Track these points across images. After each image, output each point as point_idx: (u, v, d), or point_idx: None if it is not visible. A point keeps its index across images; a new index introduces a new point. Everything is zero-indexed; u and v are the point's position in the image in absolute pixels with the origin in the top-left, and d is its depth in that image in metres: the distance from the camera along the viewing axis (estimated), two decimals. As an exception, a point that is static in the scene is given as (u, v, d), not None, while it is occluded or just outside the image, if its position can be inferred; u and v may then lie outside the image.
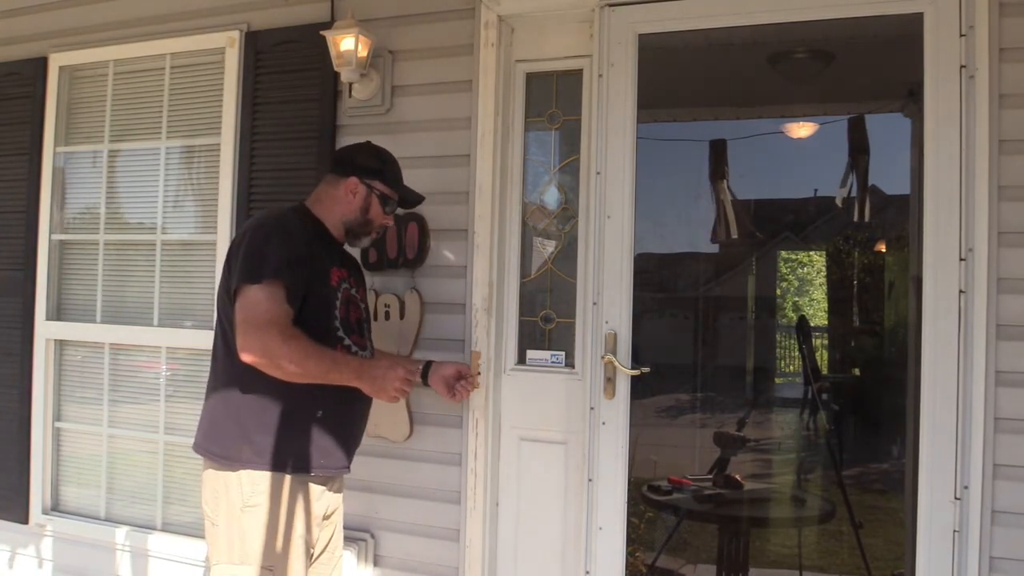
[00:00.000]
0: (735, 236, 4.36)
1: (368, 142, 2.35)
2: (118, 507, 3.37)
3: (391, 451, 2.79)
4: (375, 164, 2.23)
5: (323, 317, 2.05)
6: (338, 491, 2.21)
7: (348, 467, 2.14)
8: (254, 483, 1.93)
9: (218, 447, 1.99)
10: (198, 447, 2.05)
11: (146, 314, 3.31)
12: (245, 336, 1.86)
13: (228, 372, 2.00)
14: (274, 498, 1.93)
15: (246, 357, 1.86)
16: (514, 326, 2.83)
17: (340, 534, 2.28)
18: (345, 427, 2.11)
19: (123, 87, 3.39)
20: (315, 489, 2.03)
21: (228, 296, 1.98)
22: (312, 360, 1.90)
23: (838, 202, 4.35)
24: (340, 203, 2.20)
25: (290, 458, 1.97)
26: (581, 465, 2.65)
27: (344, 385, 2.01)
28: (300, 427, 1.99)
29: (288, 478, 1.96)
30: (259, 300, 1.88)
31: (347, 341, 2.11)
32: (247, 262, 1.94)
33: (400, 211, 2.47)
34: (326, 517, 2.15)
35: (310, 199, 2.24)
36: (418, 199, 2.35)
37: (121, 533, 3.26)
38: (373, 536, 2.84)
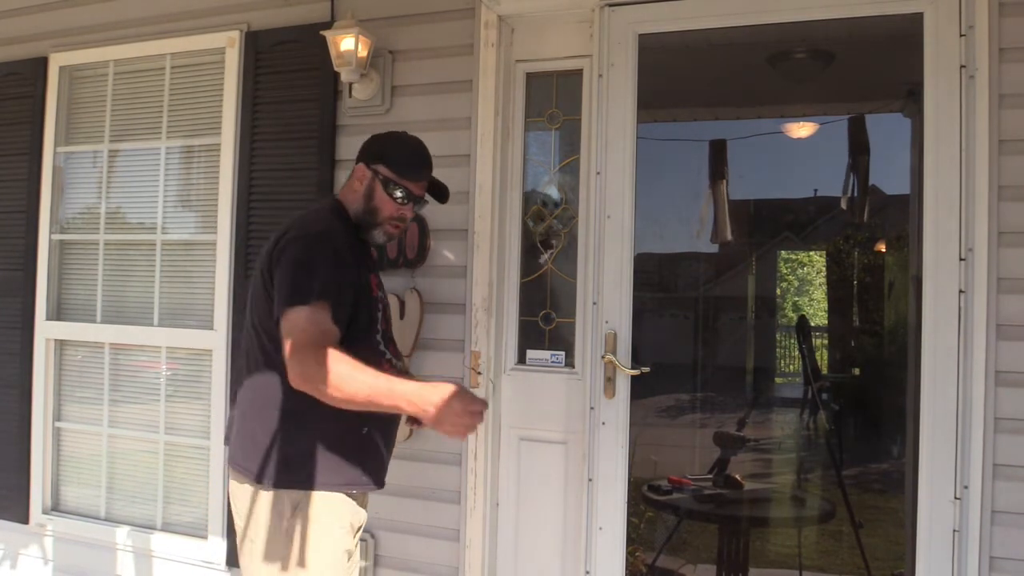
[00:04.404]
0: (732, 237, 4.36)
1: (401, 131, 2.18)
2: (118, 507, 3.37)
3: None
4: (383, 148, 2.05)
5: (368, 332, 1.94)
6: (365, 505, 2.10)
7: (383, 483, 2.03)
8: (298, 502, 1.85)
9: (261, 467, 1.86)
10: (239, 468, 1.90)
11: (146, 314, 3.31)
12: (290, 362, 1.73)
13: (269, 386, 1.86)
14: (319, 516, 1.85)
15: (293, 383, 1.74)
16: (514, 326, 2.83)
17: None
18: (386, 445, 2.01)
19: (123, 87, 3.39)
20: (354, 504, 1.96)
21: (268, 304, 1.86)
22: (355, 384, 1.71)
23: (843, 205, 4.35)
24: (351, 191, 2.04)
25: (334, 476, 1.88)
26: (581, 465, 2.65)
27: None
28: (345, 445, 1.89)
29: (332, 496, 1.88)
30: (302, 323, 1.74)
31: (388, 355, 2.01)
32: (291, 280, 1.79)
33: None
34: (358, 531, 2.06)
35: (341, 190, 2.11)
36: (438, 187, 2.14)
37: (121, 533, 3.26)
38: (373, 536, 2.84)
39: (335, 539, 1.89)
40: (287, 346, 1.73)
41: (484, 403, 1.78)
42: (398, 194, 2.00)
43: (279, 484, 1.85)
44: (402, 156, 2.05)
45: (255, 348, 1.92)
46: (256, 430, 1.88)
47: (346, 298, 1.84)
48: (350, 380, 1.70)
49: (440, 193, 2.16)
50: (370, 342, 1.94)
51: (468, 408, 1.73)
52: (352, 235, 1.99)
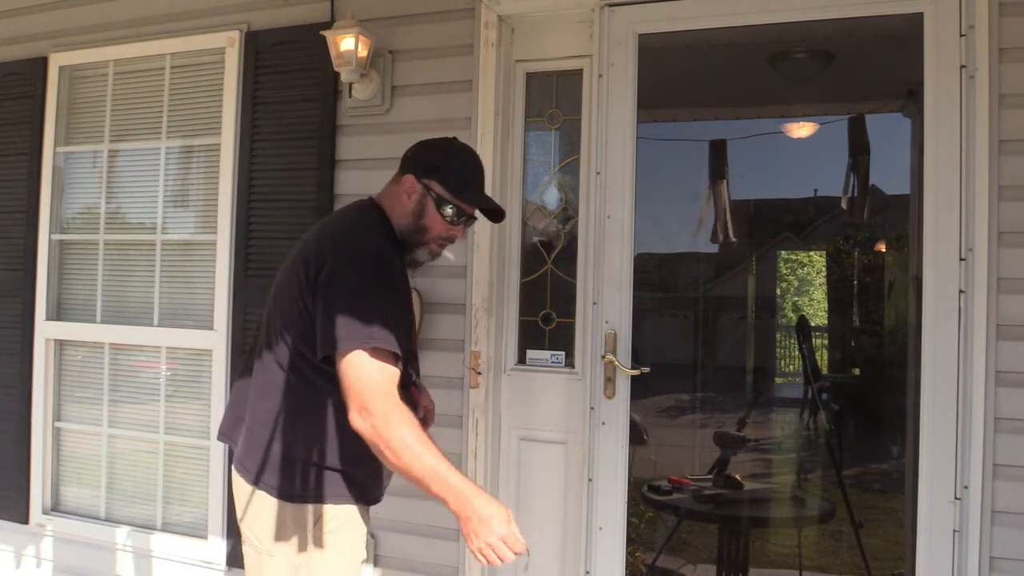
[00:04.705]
0: (732, 237, 4.36)
1: (451, 138, 1.99)
2: (118, 507, 3.37)
3: (391, 451, 2.79)
4: (436, 161, 1.88)
5: (407, 362, 1.84)
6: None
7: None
8: (322, 515, 1.82)
9: (286, 482, 1.79)
10: (261, 483, 1.81)
11: (146, 314, 3.31)
12: (356, 411, 1.66)
13: (298, 403, 1.78)
14: (342, 528, 1.84)
15: (356, 427, 1.67)
16: (514, 326, 2.83)
17: None
18: None
19: (123, 87, 3.39)
20: (367, 513, 1.95)
21: (304, 322, 1.75)
22: (416, 462, 1.62)
23: (843, 205, 4.35)
24: (397, 203, 1.88)
25: (356, 489, 1.85)
26: (581, 465, 2.65)
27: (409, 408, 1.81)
28: (368, 460, 1.81)
29: (352, 508, 1.86)
30: (370, 371, 1.66)
31: (413, 377, 1.96)
32: (351, 316, 1.67)
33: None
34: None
35: (382, 198, 1.93)
36: (494, 209, 1.97)
37: (121, 533, 3.26)
38: (373, 536, 2.84)
39: (356, 550, 1.89)
40: (353, 393, 1.66)
41: (524, 547, 1.64)
42: (450, 212, 1.86)
43: (308, 500, 1.80)
44: (459, 173, 1.89)
45: (282, 356, 1.80)
46: (286, 446, 1.80)
47: (403, 329, 1.76)
48: (413, 457, 1.62)
49: (495, 215, 2.00)
50: (404, 368, 1.84)
51: (505, 539, 1.62)
52: (398, 252, 1.87)
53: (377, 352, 1.67)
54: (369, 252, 1.77)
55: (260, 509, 1.83)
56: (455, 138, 1.99)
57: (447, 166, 1.88)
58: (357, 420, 1.67)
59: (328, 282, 1.72)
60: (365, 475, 1.87)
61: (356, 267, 1.73)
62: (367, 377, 1.66)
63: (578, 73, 2.76)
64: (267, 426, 1.82)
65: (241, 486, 1.87)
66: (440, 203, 1.86)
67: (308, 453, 1.80)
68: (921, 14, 2.36)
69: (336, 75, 2.84)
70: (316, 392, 1.76)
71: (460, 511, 1.62)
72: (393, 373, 1.70)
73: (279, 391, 1.81)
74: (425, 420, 2.09)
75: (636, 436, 2.99)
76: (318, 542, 1.81)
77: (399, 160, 1.94)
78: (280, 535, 1.81)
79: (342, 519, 1.84)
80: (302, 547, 1.81)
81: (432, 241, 1.91)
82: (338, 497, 1.82)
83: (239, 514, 1.89)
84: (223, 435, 1.97)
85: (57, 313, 3.45)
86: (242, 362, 1.98)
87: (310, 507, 1.81)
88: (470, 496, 1.62)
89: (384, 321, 1.69)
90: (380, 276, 1.74)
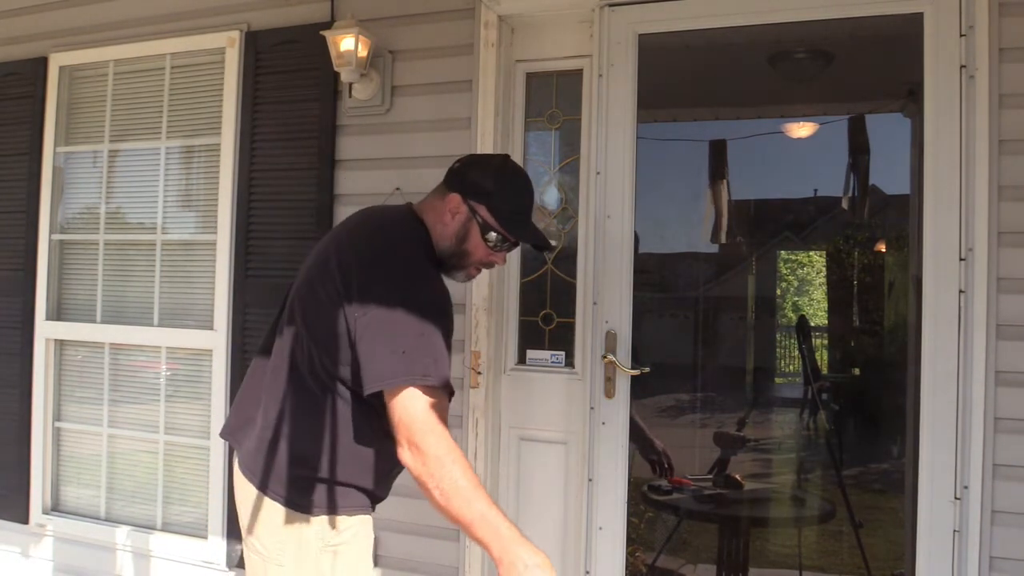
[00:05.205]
0: (732, 237, 4.37)
1: (502, 156, 1.91)
2: (118, 507, 3.37)
3: (391, 451, 2.79)
4: (486, 184, 1.77)
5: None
6: None
7: None
8: (334, 526, 1.78)
9: (298, 492, 1.75)
10: (270, 491, 1.76)
11: (146, 314, 3.31)
12: (401, 445, 1.62)
13: (312, 410, 1.73)
14: (353, 539, 1.82)
15: (405, 462, 1.63)
16: (514, 326, 2.83)
17: None
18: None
19: (123, 87, 3.40)
20: (372, 518, 1.92)
21: (333, 335, 1.67)
22: (466, 508, 1.56)
23: (844, 205, 4.35)
24: (440, 222, 1.79)
25: (368, 499, 1.83)
26: (581, 465, 2.65)
27: None
28: (381, 472, 1.82)
29: (364, 518, 1.85)
30: (423, 407, 1.60)
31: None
32: (400, 344, 1.60)
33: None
34: None
35: (423, 205, 1.84)
36: (542, 243, 1.89)
37: (121, 533, 3.26)
38: (374, 536, 2.83)
39: (366, 559, 1.87)
40: (403, 428, 1.61)
41: None
42: (494, 238, 1.78)
43: (322, 511, 1.76)
44: (511, 204, 1.80)
45: (305, 370, 1.73)
46: (299, 456, 1.75)
47: (448, 354, 1.68)
48: (463, 503, 1.57)
49: (542, 246, 1.91)
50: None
51: None
52: (438, 270, 1.80)
53: (429, 389, 1.61)
54: (418, 276, 1.69)
55: (269, 517, 1.78)
56: (508, 157, 1.91)
57: (499, 192, 1.78)
58: (407, 457, 1.61)
59: (376, 308, 1.63)
60: (379, 488, 1.84)
61: (406, 293, 1.64)
62: (419, 414, 1.59)
63: (578, 73, 2.77)
64: (280, 433, 1.76)
65: (246, 490, 1.81)
66: (486, 229, 1.77)
67: (321, 464, 1.74)
68: (921, 14, 2.36)
69: (336, 75, 2.84)
70: (334, 404, 1.71)
71: (504, 557, 1.55)
72: (445, 408, 1.65)
73: (295, 399, 1.74)
74: None
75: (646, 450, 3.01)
76: (329, 553, 1.78)
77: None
78: (290, 545, 1.76)
79: (355, 530, 1.81)
80: (313, 558, 1.77)
81: (471, 265, 1.84)
82: (350, 508, 1.78)
83: (244, 519, 1.84)
84: (228, 434, 1.92)
85: (57, 313, 3.45)
86: (252, 361, 1.92)
87: (325, 519, 1.77)
88: (516, 544, 1.56)
89: (436, 352, 1.62)
90: (430, 302, 1.67)
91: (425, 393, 1.60)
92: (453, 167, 1.84)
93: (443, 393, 1.65)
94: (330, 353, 1.69)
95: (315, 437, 1.73)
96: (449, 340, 1.69)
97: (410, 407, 1.60)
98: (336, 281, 1.67)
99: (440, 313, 1.68)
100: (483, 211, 1.76)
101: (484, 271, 1.94)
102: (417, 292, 1.66)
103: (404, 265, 1.69)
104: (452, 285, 2.76)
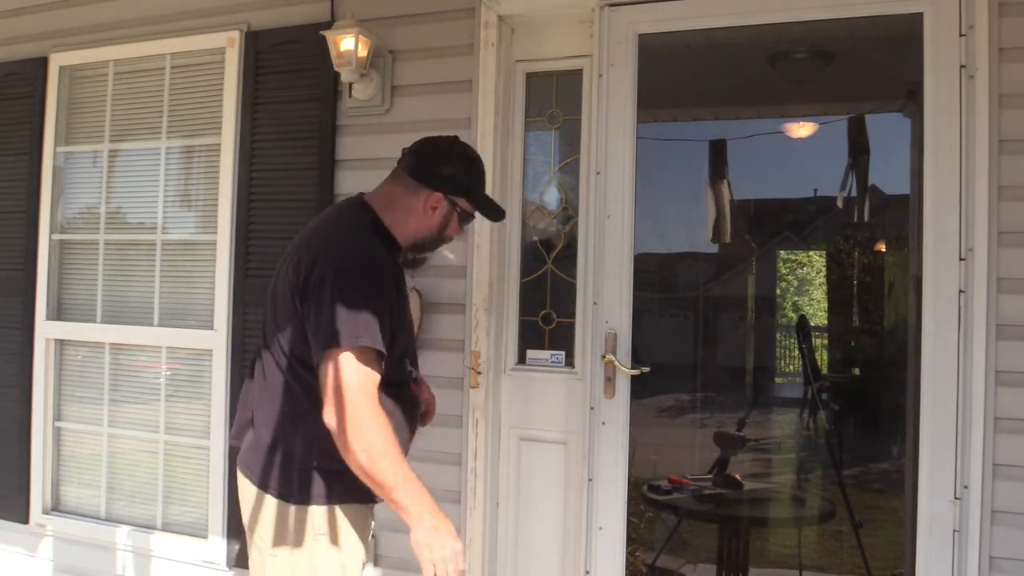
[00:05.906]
0: (732, 237, 4.37)
1: (456, 141, 1.99)
2: (118, 507, 3.37)
3: (391, 451, 2.79)
4: (466, 180, 1.93)
5: (401, 360, 1.89)
6: None
7: None
8: (324, 516, 1.82)
9: (287, 484, 1.81)
10: (267, 488, 1.82)
11: (146, 314, 3.31)
12: (328, 407, 1.69)
13: (296, 405, 1.80)
14: (344, 529, 1.85)
15: (330, 428, 1.70)
16: (514, 326, 2.83)
17: None
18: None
19: (123, 87, 3.39)
20: (369, 512, 1.95)
21: (299, 330, 1.76)
22: (386, 471, 1.68)
23: (839, 204, 4.36)
24: (416, 216, 1.90)
25: (357, 488, 1.81)
26: (581, 465, 2.65)
27: (408, 406, 1.88)
28: None
29: (355, 507, 1.87)
30: (347, 371, 1.67)
31: (414, 373, 1.99)
32: (333, 317, 1.68)
33: None
34: None
35: (378, 199, 1.92)
36: (500, 215, 2.04)
37: (121, 533, 3.26)
38: (373, 536, 2.83)
39: (358, 550, 1.89)
40: (330, 390, 1.68)
41: (465, 569, 1.74)
42: (466, 223, 1.99)
43: (314, 502, 1.81)
44: (481, 187, 1.98)
45: (282, 365, 1.82)
46: (287, 449, 1.82)
47: (400, 328, 1.82)
48: (390, 464, 1.68)
49: (503, 216, 2.10)
50: (404, 370, 1.91)
51: (452, 558, 1.70)
52: (394, 260, 1.89)
53: (363, 352, 1.69)
54: (358, 253, 1.79)
55: (265, 510, 1.85)
56: (457, 139, 2.01)
57: (474, 183, 1.96)
58: (332, 418, 1.69)
59: (318, 285, 1.73)
60: None
61: (345, 268, 1.75)
62: (348, 376, 1.68)
63: (578, 73, 2.76)
64: (269, 428, 1.84)
65: (247, 488, 1.88)
66: (465, 217, 1.95)
67: (309, 455, 1.80)
68: (921, 14, 2.36)
69: (336, 75, 2.84)
70: (314, 394, 1.76)
71: (424, 521, 1.71)
72: (374, 374, 1.71)
73: (278, 393, 1.83)
74: (426, 413, 2.12)
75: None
76: (320, 543, 1.83)
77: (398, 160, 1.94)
78: (282, 536, 1.82)
79: (344, 520, 1.84)
80: (304, 548, 1.82)
81: (443, 244, 2.02)
82: (339, 497, 1.83)
83: (245, 516, 1.90)
84: (234, 438, 1.98)
85: (57, 313, 3.45)
86: (249, 363, 1.99)
87: (312, 508, 1.82)
88: (436, 511, 1.73)
89: (371, 321, 1.70)
90: (369, 276, 1.76)
91: (358, 358, 1.68)
92: (422, 165, 1.92)
93: (376, 361, 1.72)
94: (299, 343, 1.78)
95: (298, 427, 1.81)
96: (396, 316, 1.80)
97: (342, 369, 1.68)
98: (291, 274, 1.79)
99: (380, 287, 1.77)
100: (462, 203, 1.92)
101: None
102: (356, 268, 1.75)
103: (346, 245, 1.80)
104: (452, 285, 2.78)
